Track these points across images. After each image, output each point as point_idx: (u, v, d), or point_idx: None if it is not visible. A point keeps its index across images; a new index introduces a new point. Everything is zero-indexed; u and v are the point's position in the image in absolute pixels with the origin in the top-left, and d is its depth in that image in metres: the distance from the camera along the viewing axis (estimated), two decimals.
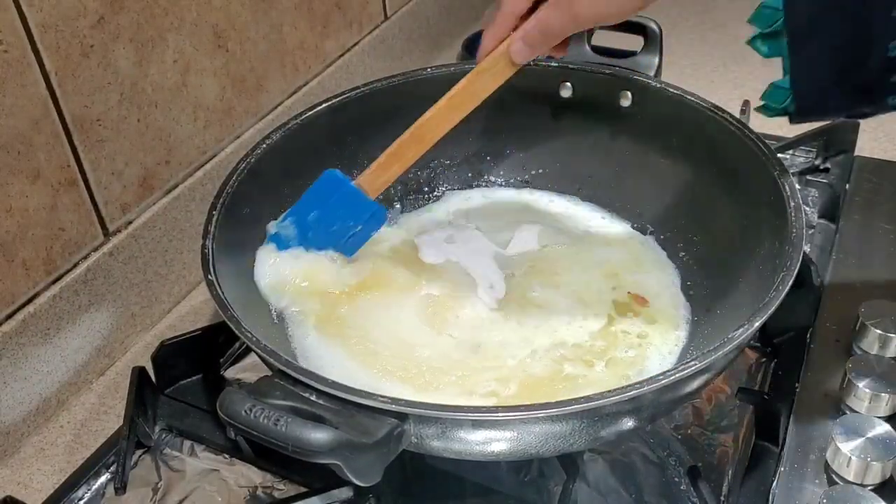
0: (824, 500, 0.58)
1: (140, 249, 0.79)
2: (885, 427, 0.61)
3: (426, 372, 0.65)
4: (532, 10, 0.63)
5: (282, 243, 0.70)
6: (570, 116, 0.81)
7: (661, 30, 0.83)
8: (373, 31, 1.06)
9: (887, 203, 0.85)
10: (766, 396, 0.67)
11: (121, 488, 0.65)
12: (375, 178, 0.70)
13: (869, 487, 0.60)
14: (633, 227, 0.79)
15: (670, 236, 0.77)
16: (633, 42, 0.84)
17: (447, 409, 0.52)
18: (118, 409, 0.71)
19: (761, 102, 0.64)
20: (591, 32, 0.84)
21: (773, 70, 0.59)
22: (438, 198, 0.84)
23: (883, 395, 0.64)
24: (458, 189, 0.84)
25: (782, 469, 0.62)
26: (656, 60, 0.83)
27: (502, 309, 0.71)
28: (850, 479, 0.60)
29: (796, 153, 0.91)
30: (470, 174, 0.85)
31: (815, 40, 0.57)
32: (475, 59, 0.70)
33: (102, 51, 0.71)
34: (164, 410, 0.71)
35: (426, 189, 0.84)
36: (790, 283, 0.57)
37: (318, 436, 0.48)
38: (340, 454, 0.48)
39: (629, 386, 0.51)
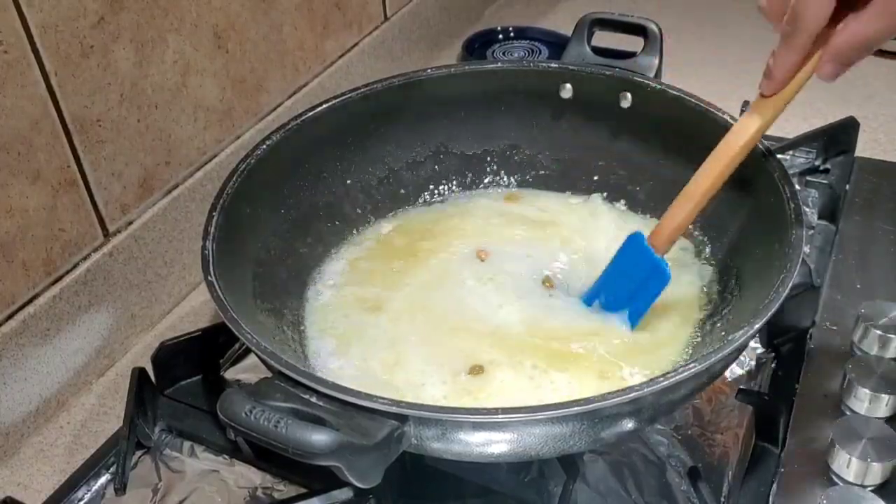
0: (824, 501, 0.58)
1: (140, 250, 0.79)
2: (885, 428, 0.62)
3: None
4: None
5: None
6: (570, 117, 0.81)
7: (661, 31, 0.83)
8: (372, 31, 1.06)
9: (887, 203, 0.85)
10: (766, 397, 0.67)
11: (121, 489, 0.65)
12: (662, 229, 0.64)
13: (869, 488, 0.60)
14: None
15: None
16: (633, 43, 0.84)
17: (447, 410, 0.52)
18: (118, 410, 0.71)
19: None
20: (591, 33, 0.84)
21: None
22: (441, 198, 0.84)
23: (883, 395, 0.64)
24: (459, 190, 0.84)
25: (782, 469, 0.62)
26: (656, 61, 0.83)
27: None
28: (850, 479, 0.60)
29: (796, 154, 0.91)
30: (470, 175, 0.85)
31: None
32: (474, 58, 0.68)
33: (102, 51, 0.71)
34: (164, 411, 0.71)
35: (427, 189, 0.84)
36: (790, 284, 0.57)
37: (319, 438, 0.47)
38: (341, 456, 0.48)
39: (629, 388, 0.51)
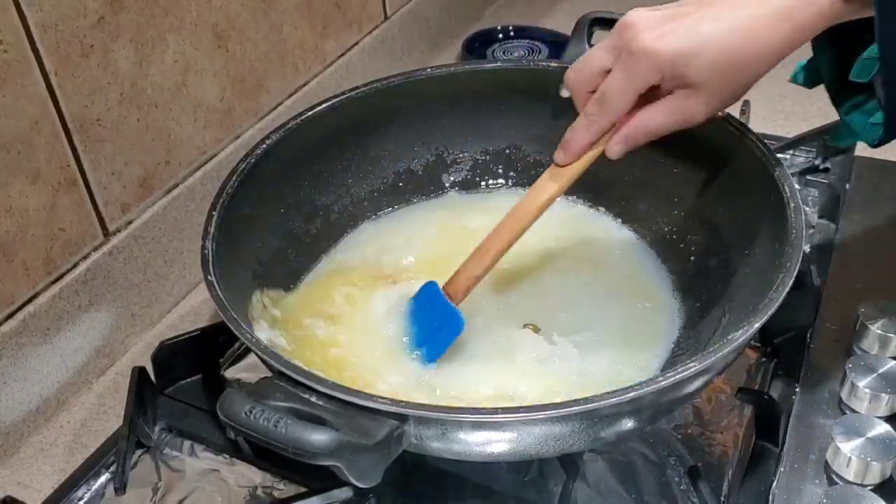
0: (824, 500, 0.58)
1: (140, 249, 0.79)
2: (885, 427, 0.62)
3: None
4: None
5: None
6: (570, 116, 0.81)
7: None
8: (373, 31, 1.06)
9: (887, 203, 0.85)
10: (766, 396, 0.67)
11: (121, 488, 0.65)
12: (459, 280, 0.66)
13: (869, 487, 0.60)
14: (632, 228, 0.79)
15: (670, 237, 0.77)
16: None
17: (447, 410, 0.52)
18: (118, 410, 0.71)
19: (845, 137, 0.65)
20: (591, 33, 0.84)
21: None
22: (441, 197, 0.84)
23: (883, 395, 0.64)
24: (459, 189, 0.84)
25: (782, 469, 0.62)
26: None
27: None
28: (850, 479, 0.60)
29: (796, 153, 0.91)
30: (470, 175, 0.85)
31: None
32: (474, 58, 0.68)
33: (102, 51, 0.71)
34: (164, 410, 0.71)
35: (427, 189, 0.84)
36: (790, 283, 0.57)
37: (319, 437, 0.48)
38: (341, 456, 0.48)
39: (629, 387, 0.51)
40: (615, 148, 0.62)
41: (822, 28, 0.56)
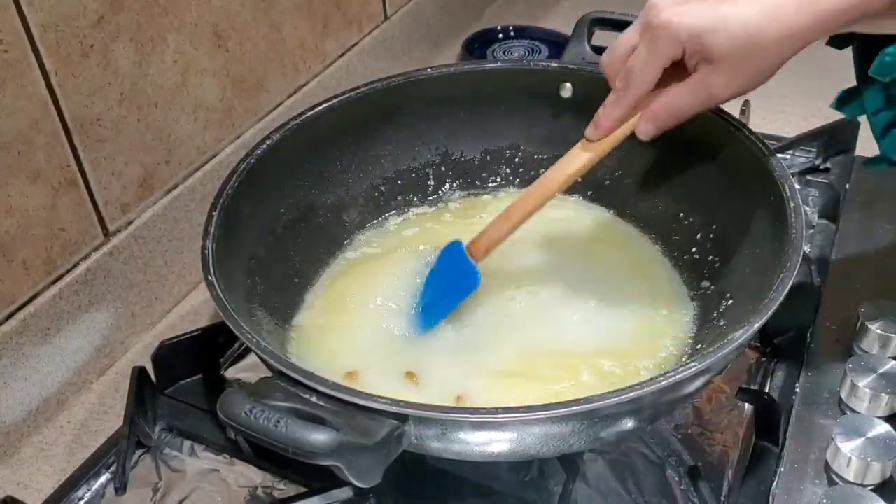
0: (824, 500, 0.58)
1: (140, 249, 0.79)
2: (885, 427, 0.62)
3: None
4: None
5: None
6: (570, 116, 0.81)
7: None
8: (373, 31, 1.06)
9: (887, 203, 0.85)
10: (766, 396, 0.67)
11: (121, 488, 0.65)
12: (481, 240, 0.68)
13: (869, 487, 0.60)
14: (632, 226, 0.79)
15: (669, 236, 0.77)
16: None
17: (447, 410, 0.52)
18: (118, 409, 0.71)
19: (879, 164, 0.66)
20: (591, 33, 0.84)
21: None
22: (441, 197, 0.84)
23: (883, 395, 0.64)
24: (459, 189, 0.84)
25: (782, 469, 0.62)
26: None
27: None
28: (850, 479, 0.60)
29: (796, 153, 0.91)
30: (470, 174, 0.85)
31: None
32: (474, 58, 0.69)
33: (102, 51, 0.71)
34: (165, 410, 0.71)
35: (427, 189, 0.84)
36: (790, 283, 0.57)
37: (319, 437, 0.48)
38: (341, 455, 0.48)
39: (629, 387, 0.51)
40: (643, 127, 0.63)
41: (850, 20, 0.56)
